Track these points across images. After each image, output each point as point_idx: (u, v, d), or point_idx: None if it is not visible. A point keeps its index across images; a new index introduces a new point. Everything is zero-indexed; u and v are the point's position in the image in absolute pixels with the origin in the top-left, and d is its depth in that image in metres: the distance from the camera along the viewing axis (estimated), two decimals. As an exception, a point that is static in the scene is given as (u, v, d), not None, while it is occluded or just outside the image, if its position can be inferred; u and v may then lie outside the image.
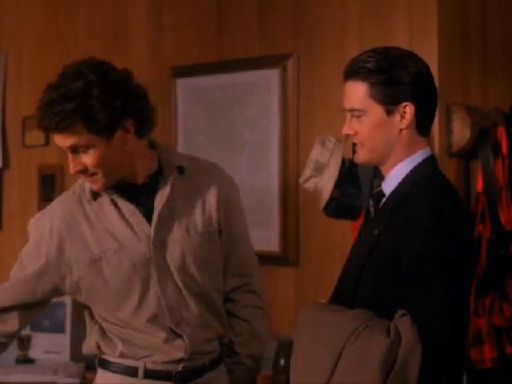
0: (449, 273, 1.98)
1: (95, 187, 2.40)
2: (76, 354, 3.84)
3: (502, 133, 3.41)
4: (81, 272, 2.43)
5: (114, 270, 2.40)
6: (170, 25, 4.16)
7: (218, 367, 2.53)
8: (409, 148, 2.14)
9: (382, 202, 2.17)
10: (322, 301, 2.21)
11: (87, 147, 2.30)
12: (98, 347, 2.50)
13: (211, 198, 2.49)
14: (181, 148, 4.06)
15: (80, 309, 2.63)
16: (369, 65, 2.10)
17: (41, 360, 3.98)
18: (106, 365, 2.51)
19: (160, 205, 2.41)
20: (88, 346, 2.54)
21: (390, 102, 2.10)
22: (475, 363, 3.34)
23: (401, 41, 3.38)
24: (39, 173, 4.61)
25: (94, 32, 4.42)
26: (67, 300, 3.87)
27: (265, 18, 3.85)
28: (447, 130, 3.43)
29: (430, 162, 2.16)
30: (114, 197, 2.41)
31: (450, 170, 3.36)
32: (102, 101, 2.26)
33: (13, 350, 3.84)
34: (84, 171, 2.35)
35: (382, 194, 2.18)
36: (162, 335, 2.42)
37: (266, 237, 3.78)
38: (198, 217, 2.46)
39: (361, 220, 3.20)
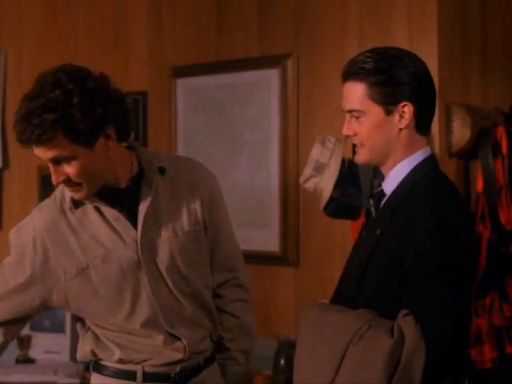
0: (450, 273, 1.98)
1: (78, 196, 2.34)
2: (76, 354, 3.84)
3: (501, 133, 3.41)
4: (68, 282, 2.38)
5: (102, 277, 2.36)
6: (169, 24, 4.16)
7: (212, 365, 2.52)
8: (408, 147, 2.14)
9: (383, 202, 2.17)
10: (324, 301, 2.20)
11: (69, 158, 2.25)
12: (94, 354, 2.47)
13: (195, 196, 2.46)
14: (181, 148, 4.05)
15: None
16: (367, 65, 2.10)
17: (41, 360, 3.99)
18: (101, 369, 2.47)
19: (144, 208, 2.37)
20: (82, 353, 2.51)
21: (388, 102, 2.10)
22: (475, 363, 3.34)
23: (400, 40, 3.38)
24: (39, 173, 4.59)
25: (94, 32, 4.42)
26: (67, 300, 3.87)
27: (265, 17, 3.85)
28: (447, 129, 3.42)
29: (430, 162, 2.16)
30: (97, 203, 2.36)
31: (449, 170, 3.36)
32: (82, 110, 2.19)
33: (13, 350, 3.84)
34: (67, 181, 2.29)
35: (382, 193, 2.18)
36: (160, 338, 2.41)
37: (265, 237, 3.76)
38: (183, 216, 2.43)
39: (361, 220, 3.20)
